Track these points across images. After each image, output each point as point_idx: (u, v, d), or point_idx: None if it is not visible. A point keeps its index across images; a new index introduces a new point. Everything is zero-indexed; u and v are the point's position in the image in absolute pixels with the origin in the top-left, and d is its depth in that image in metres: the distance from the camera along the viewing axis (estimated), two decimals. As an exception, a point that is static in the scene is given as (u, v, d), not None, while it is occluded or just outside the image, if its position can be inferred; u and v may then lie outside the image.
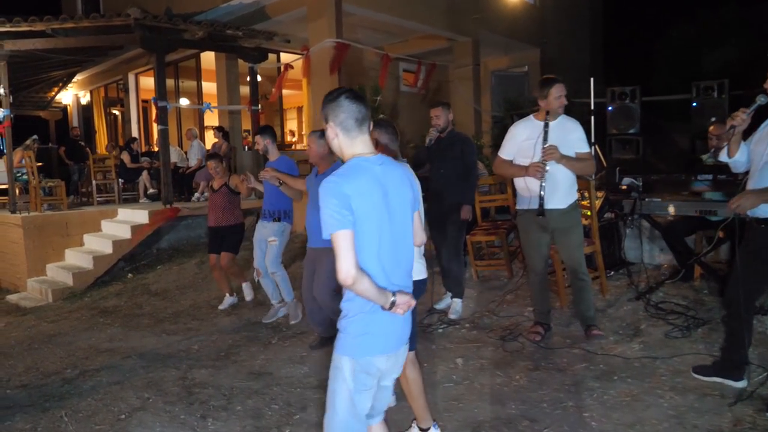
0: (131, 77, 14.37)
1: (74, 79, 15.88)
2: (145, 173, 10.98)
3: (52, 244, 9.11)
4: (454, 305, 5.25)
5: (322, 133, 4.77)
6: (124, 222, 9.17)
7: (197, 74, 12.71)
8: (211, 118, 12.78)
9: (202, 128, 13.28)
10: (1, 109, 9.27)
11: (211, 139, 12.31)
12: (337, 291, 3.65)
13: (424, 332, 4.95)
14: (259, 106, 10.33)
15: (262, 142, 5.59)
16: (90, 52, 11.57)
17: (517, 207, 4.52)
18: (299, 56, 11.78)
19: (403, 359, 2.37)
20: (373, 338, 2.21)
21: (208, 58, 12.60)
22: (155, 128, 14.46)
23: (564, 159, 4.20)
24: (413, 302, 2.21)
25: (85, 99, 17.05)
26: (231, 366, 4.64)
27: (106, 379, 4.60)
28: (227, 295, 6.43)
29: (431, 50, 12.75)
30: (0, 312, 8.01)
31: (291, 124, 16.71)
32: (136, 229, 8.79)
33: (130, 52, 13.30)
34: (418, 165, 5.55)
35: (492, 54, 14.30)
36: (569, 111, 4.89)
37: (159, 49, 9.04)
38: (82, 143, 13.63)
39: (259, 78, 13.19)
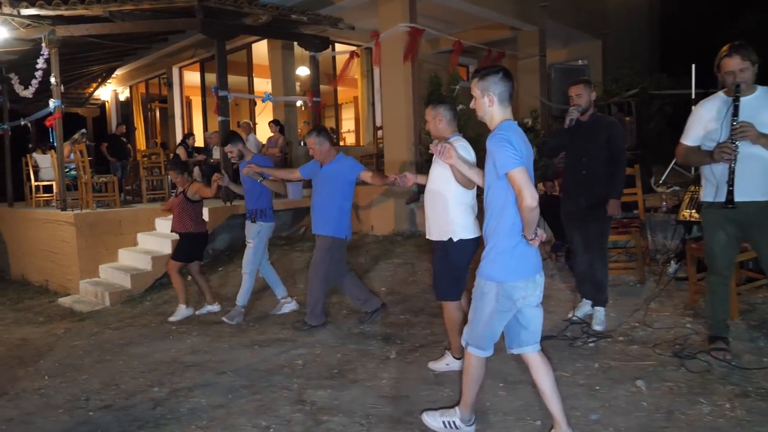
0: (175, 71, 13.81)
1: (113, 75, 15.39)
2: (197, 169, 10.37)
3: (105, 243, 8.51)
4: (596, 315, 4.50)
5: (318, 132, 4.95)
6: (166, 236, 8.53)
7: (248, 68, 12.10)
8: (263, 113, 12.16)
9: (253, 123, 12.65)
10: (53, 100, 8.70)
11: (261, 133, 11.69)
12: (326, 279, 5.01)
13: (572, 346, 4.21)
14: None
15: (234, 149, 5.64)
16: (142, 40, 10.99)
17: (702, 199, 3.76)
18: (354, 46, 11.17)
19: (541, 286, 2.85)
20: (516, 265, 2.76)
21: (259, 51, 11.99)
22: (199, 124, 13.96)
23: (763, 138, 3.43)
24: (544, 236, 2.80)
25: (123, 95, 16.54)
26: (352, 386, 3.92)
27: (205, 401, 3.91)
28: (182, 306, 6.22)
29: (493, 41, 12.01)
30: (54, 316, 7.41)
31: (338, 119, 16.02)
32: (157, 259, 8.08)
33: (175, 45, 12.76)
34: (555, 151, 4.82)
35: (551, 46, 13.47)
36: (647, 105, 4.32)
37: (220, 35, 8.41)
38: (124, 140, 13.06)
39: (307, 71, 12.62)
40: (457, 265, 3.76)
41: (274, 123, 10.22)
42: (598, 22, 13.74)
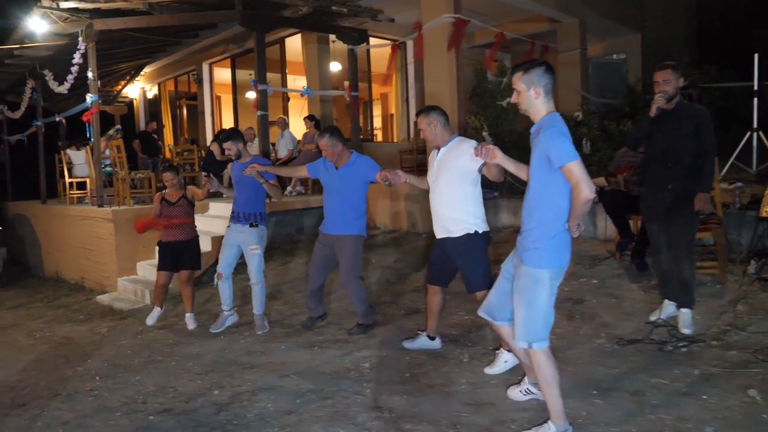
0: (205, 67, 13.65)
1: (142, 72, 15.31)
2: (230, 166, 10.15)
3: (142, 240, 8.30)
4: (683, 317, 4.20)
5: (331, 132, 4.79)
6: (219, 217, 8.37)
7: (281, 64, 11.88)
8: (296, 108, 11.96)
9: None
10: (90, 95, 8.56)
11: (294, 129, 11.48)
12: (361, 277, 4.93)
13: (662, 351, 3.92)
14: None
15: (234, 147, 5.38)
16: (175, 35, 10.82)
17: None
18: (389, 41, 10.92)
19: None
20: (565, 253, 2.88)
21: (292, 47, 11.78)
22: (229, 121, 13.79)
23: None
24: (582, 228, 2.93)
25: (151, 92, 16.45)
26: (429, 392, 3.67)
27: (272, 406, 3.68)
28: (156, 308, 6.05)
29: (530, 34, 11.68)
30: (94, 314, 7.25)
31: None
32: (216, 240, 7.89)
33: (206, 41, 12.60)
34: (639, 142, 4.52)
35: (588, 40, 13.16)
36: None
37: (259, 27, 8.20)
38: (155, 136, 12.94)
39: (339, 66, 12.41)
40: (485, 256, 3.99)
41: (310, 119, 9.97)
42: (636, 14, 13.35)
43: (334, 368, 4.21)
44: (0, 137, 13.96)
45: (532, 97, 2.84)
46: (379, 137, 15.32)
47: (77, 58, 8.77)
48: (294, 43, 11.63)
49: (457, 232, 3.90)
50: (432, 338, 4.39)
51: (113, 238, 8.08)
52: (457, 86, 8.21)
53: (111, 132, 10.15)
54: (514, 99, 2.96)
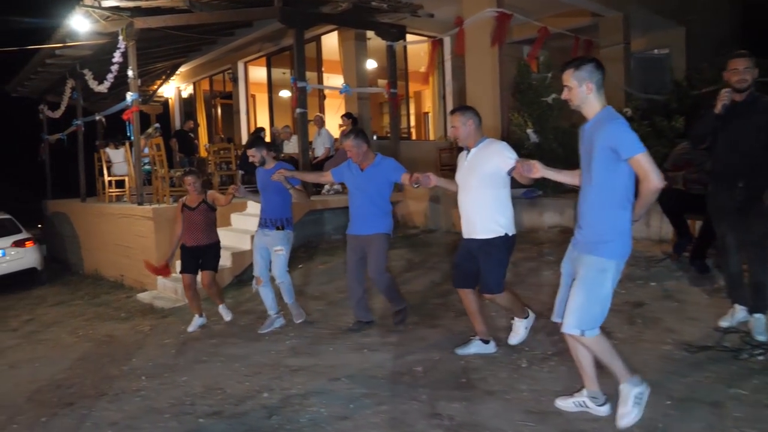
0: (240, 66, 13.65)
1: (177, 72, 15.39)
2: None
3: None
4: (757, 323, 3.95)
5: (357, 134, 4.86)
6: (257, 216, 8.27)
7: (318, 63, 11.79)
8: (331, 107, 11.87)
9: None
10: (130, 93, 8.58)
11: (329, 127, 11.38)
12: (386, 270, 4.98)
13: (737, 359, 3.68)
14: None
15: (258, 155, 5.42)
16: (213, 32, 10.80)
17: None
18: (424, 38, 10.75)
19: None
20: (627, 245, 2.93)
21: (328, 45, 11.69)
22: (263, 120, 13.77)
23: None
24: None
25: (186, 92, 16.54)
26: (489, 399, 3.50)
27: (325, 411, 3.55)
28: (196, 316, 5.93)
29: (571, 29, 11.38)
30: (135, 312, 7.25)
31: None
32: (237, 255, 7.81)
33: (241, 39, 12.58)
34: (704, 138, 4.27)
35: (630, 34, 12.80)
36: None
37: (299, 24, 8.10)
38: (192, 135, 12.98)
39: (374, 64, 12.26)
40: (506, 260, 4.04)
41: (347, 116, 9.85)
42: (681, 6, 12.92)
43: (386, 372, 4.07)
44: (40, 136, 14.16)
45: (584, 92, 2.90)
46: (413, 136, 15.15)
47: (117, 56, 8.80)
48: (330, 41, 11.54)
49: (485, 233, 3.92)
50: (486, 342, 4.26)
51: (153, 236, 8.08)
52: (500, 82, 8.02)
53: (150, 130, 10.20)
54: (565, 95, 3.01)
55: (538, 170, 3.20)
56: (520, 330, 4.30)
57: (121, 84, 11.25)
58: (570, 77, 2.93)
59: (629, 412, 2.95)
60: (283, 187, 5.18)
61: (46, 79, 12.38)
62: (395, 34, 9.15)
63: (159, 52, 12.25)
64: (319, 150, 9.94)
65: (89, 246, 10.95)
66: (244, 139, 13.44)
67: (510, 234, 3.94)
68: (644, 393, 2.99)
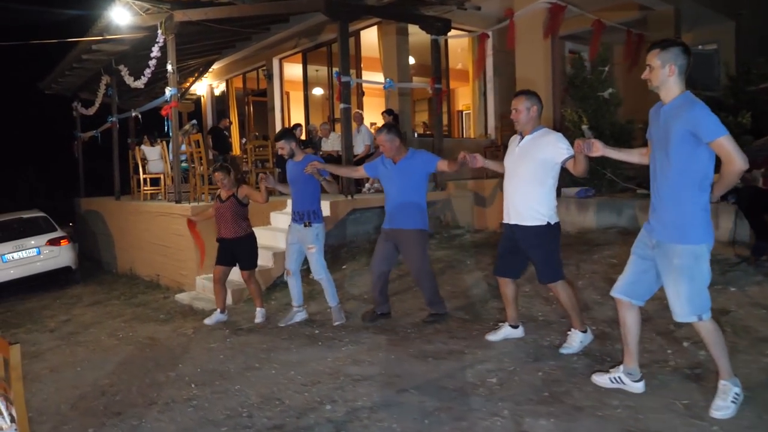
0: (275, 62, 13.44)
1: (210, 69, 15.27)
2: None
3: (221, 238, 8.09)
4: None
5: (389, 129, 4.88)
6: (276, 230, 8.03)
7: (356, 60, 11.50)
8: (370, 104, 11.59)
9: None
10: (169, 88, 8.37)
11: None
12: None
13: None
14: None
15: (287, 147, 5.41)
16: (254, 25, 10.60)
17: None
18: (464, 33, 10.39)
19: None
20: (711, 228, 2.96)
21: (366, 41, 11.39)
22: (299, 118, 13.53)
23: None
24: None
25: (219, 89, 16.41)
26: (580, 416, 3.15)
27: (398, 427, 3.24)
28: (218, 311, 6.11)
29: (619, 23, 10.94)
30: (174, 313, 7.03)
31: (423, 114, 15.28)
32: None
33: (277, 35, 12.38)
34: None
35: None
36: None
37: (343, 16, 7.81)
38: (227, 133, 12.79)
39: (412, 60, 11.94)
40: (558, 247, 4.01)
41: (388, 113, 9.57)
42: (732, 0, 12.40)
43: (458, 383, 3.74)
44: (73, 134, 14.12)
45: (666, 74, 2.90)
46: (452, 134, 14.80)
47: (155, 51, 8.61)
48: (368, 37, 11.24)
49: (530, 221, 3.92)
50: (515, 327, 4.40)
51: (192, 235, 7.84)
52: (552, 76, 7.64)
53: (187, 127, 10.00)
54: (645, 75, 3.00)
55: (599, 149, 3.22)
56: (574, 342, 4.08)
57: (155, 81, 11.13)
58: (655, 57, 2.92)
59: (727, 407, 2.96)
60: (312, 178, 5.18)
61: (80, 75, 12.29)
62: (440, 27, 8.82)
63: (193, 48, 12.09)
64: (359, 147, 9.64)
65: (123, 244, 10.81)
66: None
67: (552, 222, 3.93)
68: (741, 396, 3.01)
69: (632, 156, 3.40)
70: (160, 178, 10.46)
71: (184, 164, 9.49)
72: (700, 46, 13.30)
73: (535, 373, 3.76)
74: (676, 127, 2.84)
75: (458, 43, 11.78)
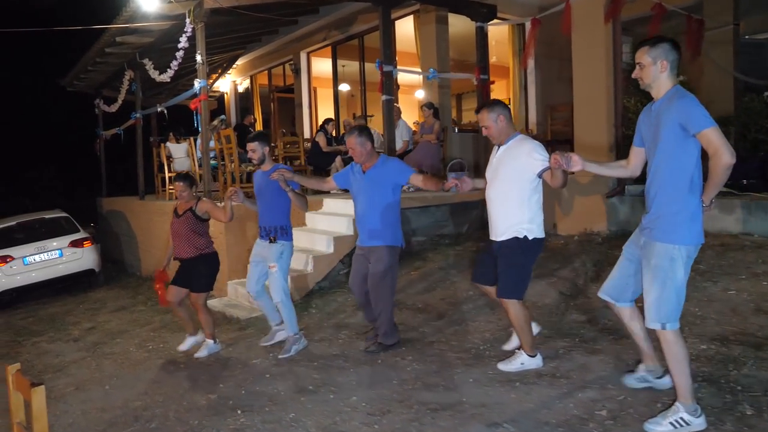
0: (303, 56, 12.88)
1: (234, 65, 14.79)
2: (339, 159, 9.28)
3: (253, 239, 7.54)
4: None
5: (360, 131, 4.38)
6: (336, 214, 7.47)
7: (392, 49, 10.87)
8: (404, 99, 10.99)
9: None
10: (198, 80, 7.85)
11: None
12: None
13: None
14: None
15: (259, 150, 4.81)
16: (287, 12, 10.04)
17: None
18: (500, 22, 9.76)
19: None
20: (699, 228, 2.82)
21: (402, 33, 10.78)
22: (326, 113, 12.97)
23: None
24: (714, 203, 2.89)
25: (242, 86, 15.91)
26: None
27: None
28: (187, 335, 5.35)
29: (671, 9, 10.23)
30: (207, 323, 6.45)
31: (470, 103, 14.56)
32: (339, 240, 6.98)
33: (304, 28, 11.83)
34: None
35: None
36: None
37: (386, 3, 7.24)
38: (252, 130, 12.28)
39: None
40: (529, 264, 3.77)
41: (428, 107, 8.96)
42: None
43: (560, 416, 3.13)
44: (95, 132, 13.71)
45: (659, 70, 2.85)
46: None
47: (183, 41, 8.08)
48: (401, 29, 10.62)
49: (506, 234, 3.71)
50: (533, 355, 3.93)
51: (223, 237, 7.33)
52: (614, 64, 6.99)
53: (215, 122, 9.50)
54: (636, 74, 2.94)
55: (578, 162, 3.06)
56: (515, 362, 3.82)
57: (177, 77, 10.61)
58: (645, 54, 2.87)
59: (662, 426, 2.85)
60: (282, 190, 4.58)
61: (103, 71, 11.84)
62: (485, 13, 8.24)
63: (218, 42, 11.57)
64: (397, 143, 9.05)
65: (148, 246, 10.33)
66: (307, 133, 12.69)
67: (531, 237, 3.66)
68: (692, 426, 2.82)
69: (614, 170, 3.32)
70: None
71: (213, 162, 8.97)
72: (746, 36, 12.60)
73: (651, 404, 3.14)
74: (666, 120, 2.79)
75: (492, 35, 11.13)
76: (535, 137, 10.53)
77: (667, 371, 3.06)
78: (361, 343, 4.79)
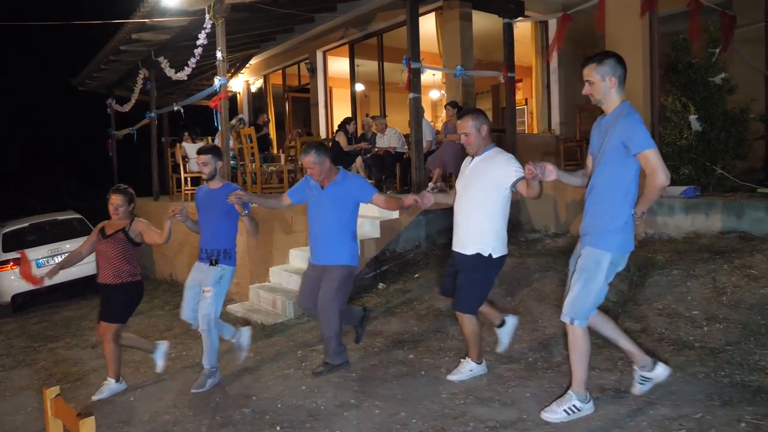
0: (319, 55, 12.66)
1: (248, 64, 14.58)
2: (359, 159, 9.04)
3: (275, 242, 7.35)
4: None
5: (318, 149, 4.14)
6: (360, 217, 7.18)
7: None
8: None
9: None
10: (218, 78, 7.62)
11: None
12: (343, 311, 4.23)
13: None
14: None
15: (212, 165, 4.44)
16: (307, 7, 9.82)
17: None
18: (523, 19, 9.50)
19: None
20: (630, 237, 3.00)
21: (421, 31, 10.53)
22: (343, 113, 12.74)
23: None
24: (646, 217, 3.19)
25: (255, 86, 15.70)
26: None
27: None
28: (109, 378, 4.64)
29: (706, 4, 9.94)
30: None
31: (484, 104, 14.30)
32: (386, 225, 6.79)
33: (321, 26, 11.62)
34: None
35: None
36: None
37: (412, -4, 7.02)
38: (266, 130, 12.06)
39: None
40: (490, 280, 3.75)
41: (452, 105, 8.70)
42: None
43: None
44: (107, 132, 13.51)
45: (608, 86, 2.93)
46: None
47: (202, 38, 7.87)
48: (422, 27, 10.37)
49: (470, 249, 3.66)
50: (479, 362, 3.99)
51: (244, 240, 7.08)
52: (650, 60, 6.73)
53: (233, 122, 9.25)
54: (586, 91, 3.02)
55: (553, 172, 3.04)
56: (464, 370, 3.88)
57: (192, 76, 10.39)
58: (592, 72, 2.94)
59: (557, 414, 3.09)
60: (232, 211, 4.30)
61: (116, 70, 11.63)
62: (513, 10, 8.00)
63: (233, 41, 11.35)
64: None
65: (163, 249, 10.08)
66: (322, 133, 12.47)
67: (495, 255, 3.63)
68: (583, 411, 3.08)
69: (581, 179, 3.28)
70: (201, 177, 9.73)
71: (232, 162, 8.74)
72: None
73: (735, 424, 2.88)
74: (612, 137, 2.89)
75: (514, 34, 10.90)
76: (558, 138, 10.41)
77: (657, 361, 3.25)
78: (399, 352, 4.54)
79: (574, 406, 3.07)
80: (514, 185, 3.52)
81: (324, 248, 4.23)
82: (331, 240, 4.20)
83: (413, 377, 4.00)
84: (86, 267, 9.21)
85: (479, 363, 3.88)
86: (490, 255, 3.61)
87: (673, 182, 6.75)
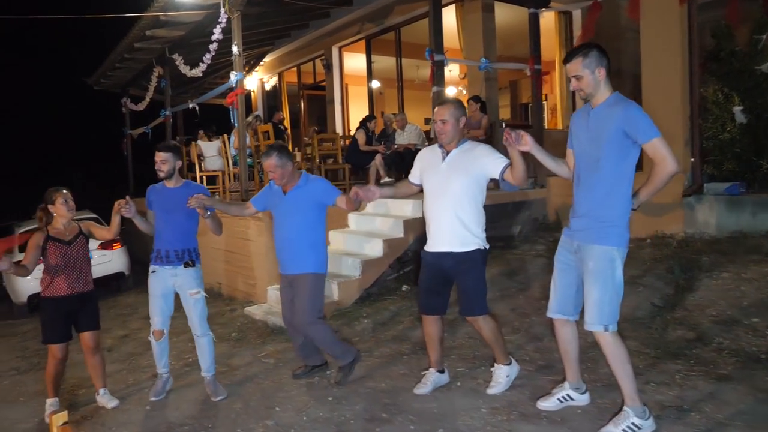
0: (335, 51, 12.39)
1: (262, 62, 14.37)
2: (378, 157, 8.75)
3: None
4: None
5: (279, 151, 3.96)
6: (383, 215, 6.96)
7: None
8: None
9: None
10: (233, 73, 7.38)
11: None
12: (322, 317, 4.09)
13: None
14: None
15: (171, 163, 4.18)
16: (324, 3, 9.59)
17: None
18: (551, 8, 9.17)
19: None
20: (627, 232, 2.87)
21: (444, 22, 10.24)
22: (360, 110, 12.47)
23: None
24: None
25: (269, 84, 15.48)
26: None
27: None
28: (49, 399, 4.28)
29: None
30: (248, 332, 6.01)
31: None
32: (409, 224, 6.50)
33: (337, 21, 11.36)
34: None
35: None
36: None
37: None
38: (281, 127, 11.81)
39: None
40: (484, 275, 3.58)
41: (474, 100, 8.40)
42: None
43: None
44: (122, 131, 13.36)
45: (597, 78, 2.84)
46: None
47: (217, 33, 7.64)
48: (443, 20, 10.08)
49: (465, 246, 3.47)
50: (441, 372, 3.80)
51: (263, 240, 6.83)
52: (689, 49, 6.36)
53: (249, 119, 9.02)
54: (574, 86, 2.91)
55: (528, 142, 2.98)
56: (501, 379, 3.61)
57: (207, 73, 10.17)
58: (579, 66, 2.84)
59: None
60: (194, 211, 4.03)
61: (130, 68, 11.48)
62: (538, 0, 7.66)
63: (247, 38, 11.11)
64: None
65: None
66: (339, 131, 12.20)
67: (486, 248, 3.53)
68: (643, 429, 2.81)
69: (559, 166, 3.13)
70: (217, 176, 9.51)
71: (248, 160, 8.51)
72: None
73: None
74: (609, 127, 2.78)
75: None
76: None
77: (587, 388, 3.21)
78: (417, 358, 4.25)
79: (633, 424, 2.81)
80: (503, 172, 3.32)
81: (290, 256, 4.05)
82: (295, 247, 4.01)
83: (448, 389, 3.71)
84: (100, 267, 9.06)
85: (508, 363, 3.65)
86: (485, 248, 3.51)
87: (715, 178, 6.40)
